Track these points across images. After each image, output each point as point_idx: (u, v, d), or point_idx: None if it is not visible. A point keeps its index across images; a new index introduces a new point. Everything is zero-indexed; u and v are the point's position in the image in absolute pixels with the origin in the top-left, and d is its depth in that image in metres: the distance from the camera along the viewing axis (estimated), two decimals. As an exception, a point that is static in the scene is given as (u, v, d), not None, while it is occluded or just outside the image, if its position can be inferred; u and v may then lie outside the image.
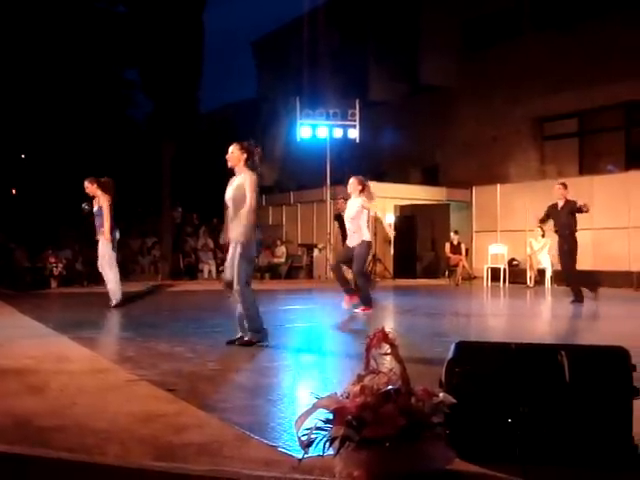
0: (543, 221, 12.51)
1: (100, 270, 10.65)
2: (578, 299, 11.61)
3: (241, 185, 6.48)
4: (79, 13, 24.43)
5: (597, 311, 11.05)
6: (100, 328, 8.44)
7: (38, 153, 26.20)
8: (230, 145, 6.69)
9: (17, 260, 16.29)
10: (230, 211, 6.61)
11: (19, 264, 16.14)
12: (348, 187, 10.17)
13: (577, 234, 11.75)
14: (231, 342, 6.54)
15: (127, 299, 10.93)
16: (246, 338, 6.49)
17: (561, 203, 11.82)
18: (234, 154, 6.60)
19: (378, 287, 16.98)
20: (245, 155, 6.57)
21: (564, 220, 11.71)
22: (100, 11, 25.19)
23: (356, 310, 9.78)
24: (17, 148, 26.44)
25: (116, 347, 6.85)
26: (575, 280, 11.98)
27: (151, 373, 4.95)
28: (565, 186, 11.94)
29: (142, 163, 26.30)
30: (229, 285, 6.52)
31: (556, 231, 12.03)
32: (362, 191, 10.02)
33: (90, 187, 10.74)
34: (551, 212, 12.01)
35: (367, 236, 9.96)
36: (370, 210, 10.11)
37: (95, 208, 10.70)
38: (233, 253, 6.54)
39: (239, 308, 6.47)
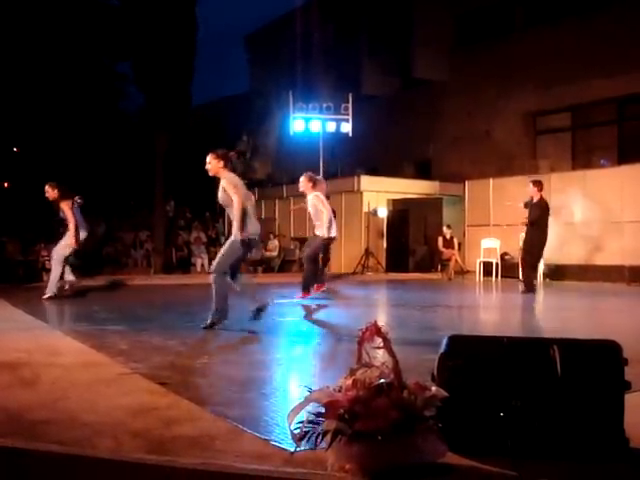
0: (527, 206, 12.85)
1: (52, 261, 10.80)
2: (530, 289, 12.34)
3: (223, 188, 7.05)
4: (72, 5, 24.35)
5: (589, 305, 11.08)
6: (92, 321, 8.41)
7: (30, 146, 26.13)
8: (207, 154, 7.25)
9: (9, 253, 16.24)
10: (228, 213, 7.38)
11: (11, 257, 16.09)
12: (299, 186, 10.81)
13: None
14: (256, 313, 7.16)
15: (115, 291, 10.94)
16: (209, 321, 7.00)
17: (536, 198, 12.39)
18: (211, 164, 7.17)
19: (371, 281, 17.01)
20: (221, 162, 7.13)
21: (534, 215, 12.31)
22: (93, 3, 25.13)
23: (295, 297, 10.40)
24: (9, 141, 26.35)
25: (108, 340, 6.83)
26: (532, 271, 12.59)
27: (143, 366, 4.94)
28: (536, 183, 12.55)
29: (135, 156, 26.27)
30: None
31: (526, 223, 12.58)
32: (314, 187, 10.48)
33: (51, 192, 10.81)
34: (528, 204, 12.62)
35: (321, 232, 10.53)
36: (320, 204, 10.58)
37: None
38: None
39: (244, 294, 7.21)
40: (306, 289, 10.41)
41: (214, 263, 7.13)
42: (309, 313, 9.35)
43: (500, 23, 22.90)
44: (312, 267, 10.61)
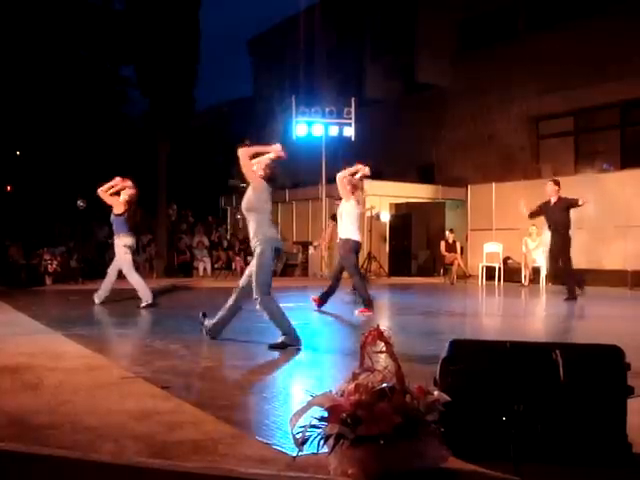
0: (533, 215, 12.58)
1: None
2: (572, 296, 11.71)
3: (249, 193, 6.55)
4: (75, 10, 24.40)
5: (591, 310, 11.06)
6: (95, 325, 8.42)
7: (33, 150, 26.16)
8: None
9: (12, 257, 16.25)
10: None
11: (14, 261, 16.10)
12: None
13: (571, 232, 11.91)
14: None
15: (118, 296, 10.97)
16: (278, 340, 6.32)
17: (554, 200, 11.94)
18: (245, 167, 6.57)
19: (374, 285, 17.00)
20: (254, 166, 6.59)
21: (558, 216, 11.82)
22: (96, 8, 25.18)
23: (356, 312, 9.71)
24: (12, 145, 26.39)
25: (111, 344, 6.85)
26: (570, 277, 12.06)
27: (146, 370, 4.94)
28: (557, 183, 12.09)
29: (138, 160, 26.29)
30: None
31: (549, 227, 12.14)
32: (354, 192, 10.15)
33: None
34: (544, 208, 12.12)
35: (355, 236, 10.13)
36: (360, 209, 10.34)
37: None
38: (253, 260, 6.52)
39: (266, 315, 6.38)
40: (368, 302, 9.73)
41: (254, 287, 6.28)
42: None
43: (503, 28, 22.90)
44: (360, 276, 10.29)
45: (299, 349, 6.17)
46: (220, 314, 6.64)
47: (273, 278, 6.51)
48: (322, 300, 10.05)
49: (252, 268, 6.42)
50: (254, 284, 6.28)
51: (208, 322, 6.70)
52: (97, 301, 10.55)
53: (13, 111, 23.79)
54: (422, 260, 20.87)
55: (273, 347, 6.20)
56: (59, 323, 7.77)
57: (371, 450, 2.58)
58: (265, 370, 5.27)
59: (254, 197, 6.50)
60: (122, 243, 10.58)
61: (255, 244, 6.39)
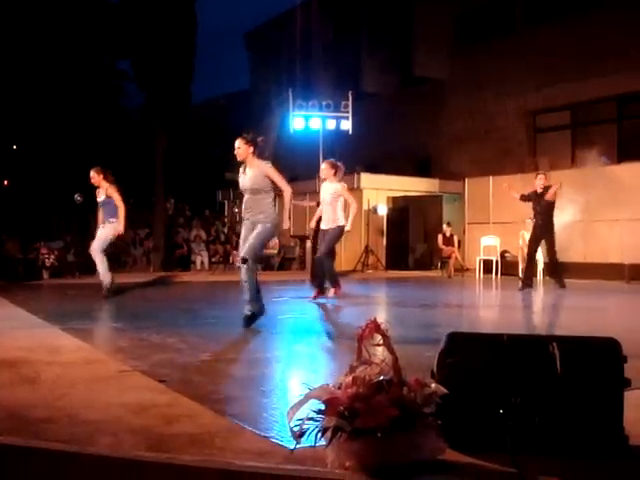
0: (524, 199, 12.88)
1: (92, 253, 10.58)
2: (561, 285, 12.44)
3: (258, 174, 7.05)
4: (72, 3, 24.33)
5: (588, 303, 11.08)
6: (92, 319, 8.42)
7: (30, 144, 26.11)
8: (235, 140, 7.12)
9: (9, 251, 16.23)
10: (249, 199, 7.15)
11: (11, 255, 16.08)
12: (321, 172, 10.41)
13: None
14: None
15: (119, 290, 10.94)
16: (248, 313, 6.89)
17: (540, 191, 12.48)
18: (241, 148, 7.08)
19: (371, 278, 17.02)
20: (251, 147, 7.07)
21: (544, 207, 12.31)
22: (93, 1, 25.10)
23: (329, 296, 10.11)
24: (9, 139, 26.34)
25: (108, 338, 6.85)
26: (556, 267, 12.59)
27: (143, 364, 4.94)
28: (545, 176, 12.59)
29: (134, 154, 26.27)
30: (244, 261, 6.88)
31: (535, 216, 12.58)
32: (335, 174, 10.14)
33: (96, 178, 10.70)
34: (532, 197, 12.38)
35: (342, 221, 10.16)
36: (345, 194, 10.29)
37: (101, 198, 10.66)
38: (247, 233, 7.02)
39: (242, 280, 6.90)
40: (337, 283, 10.20)
41: (248, 249, 6.86)
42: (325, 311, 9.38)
43: (500, 21, 22.89)
44: (332, 262, 10.37)
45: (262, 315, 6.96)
46: (246, 297, 6.94)
47: (272, 272, 6.77)
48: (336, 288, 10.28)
49: (251, 240, 6.90)
50: (249, 249, 6.84)
51: (248, 310, 6.96)
52: (107, 293, 10.37)
53: (10, 105, 23.74)
54: (419, 254, 20.89)
55: (248, 322, 6.85)
56: (56, 317, 7.76)
57: (368, 443, 2.59)
58: (262, 363, 5.27)
59: (262, 179, 7.07)
60: (113, 226, 10.47)
61: (262, 219, 6.98)
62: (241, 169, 7.22)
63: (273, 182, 7.12)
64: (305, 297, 10.53)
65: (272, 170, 7.10)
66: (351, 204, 10.34)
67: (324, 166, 10.43)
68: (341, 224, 10.12)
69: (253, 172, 7.08)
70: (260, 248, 7.07)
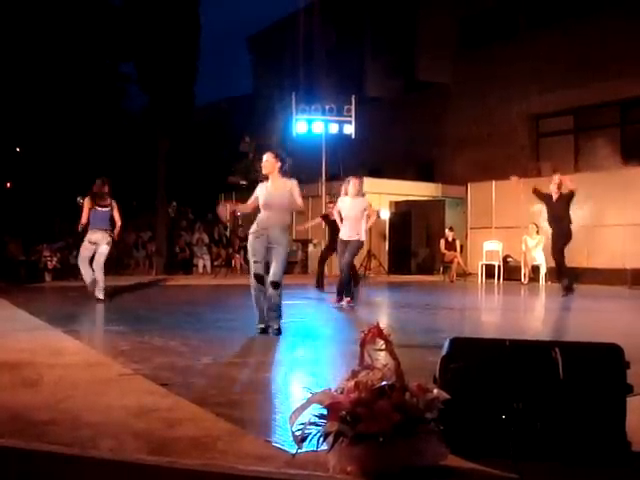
0: (536, 193, 12.61)
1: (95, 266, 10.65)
2: (569, 290, 11.92)
3: (286, 192, 7.06)
4: (74, 5, 24.36)
5: (591, 308, 11.06)
6: (94, 322, 8.43)
7: (33, 146, 26.13)
8: (265, 153, 7.26)
9: (12, 253, 16.24)
10: (272, 215, 7.04)
11: (13, 257, 16.09)
12: (351, 187, 10.11)
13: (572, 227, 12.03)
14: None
15: (117, 292, 10.95)
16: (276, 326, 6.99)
17: (555, 196, 12.02)
18: (269, 162, 7.13)
19: (373, 283, 17.01)
20: (279, 163, 7.11)
21: (561, 211, 11.94)
22: (96, 3, 25.13)
23: (342, 304, 10.01)
24: (12, 141, 26.36)
25: (110, 341, 6.84)
26: (565, 271, 12.20)
27: (145, 367, 4.94)
28: (560, 179, 12.24)
29: (137, 157, 26.28)
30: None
31: (550, 224, 12.24)
32: (359, 191, 10.19)
33: (107, 189, 10.87)
34: (546, 199, 12.20)
35: (363, 237, 10.26)
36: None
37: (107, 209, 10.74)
38: (262, 249, 7.00)
39: (272, 300, 6.95)
40: (340, 295, 10.15)
41: (278, 273, 6.95)
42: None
43: (503, 26, 22.89)
44: (350, 274, 10.35)
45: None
46: (268, 305, 7.02)
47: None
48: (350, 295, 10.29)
49: (278, 264, 6.95)
50: (279, 270, 6.93)
51: (275, 324, 7.05)
52: (100, 296, 10.44)
53: (13, 107, 23.76)
54: (422, 258, 20.87)
55: (279, 331, 6.94)
56: (58, 319, 7.77)
57: (370, 448, 2.58)
58: (265, 367, 5.27)
59: (289, 196, 7.08)
60: (109, 235, 10.67)
61: (282, 239, 7.01)
62: (265, 184, 7.19)
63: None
64: (306, 298, 10.54)
65: (297, 188, 7.12)
66: (371, 216, 10.46)
67: (355, 183, 10.25)
68: (362, 239, 10.21)
69: (281, 189, 7.07)
70: (285, 268, 7.16)
